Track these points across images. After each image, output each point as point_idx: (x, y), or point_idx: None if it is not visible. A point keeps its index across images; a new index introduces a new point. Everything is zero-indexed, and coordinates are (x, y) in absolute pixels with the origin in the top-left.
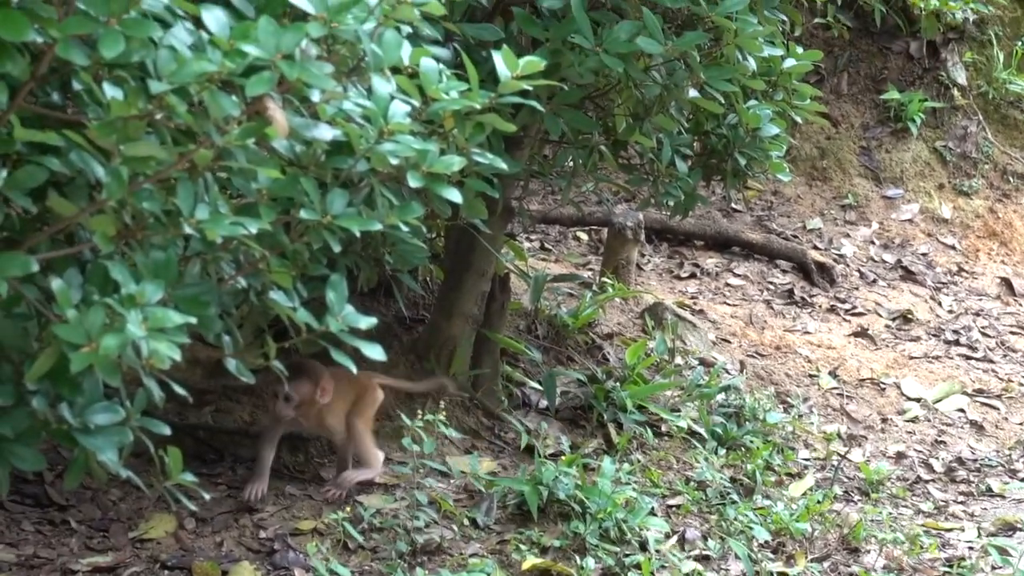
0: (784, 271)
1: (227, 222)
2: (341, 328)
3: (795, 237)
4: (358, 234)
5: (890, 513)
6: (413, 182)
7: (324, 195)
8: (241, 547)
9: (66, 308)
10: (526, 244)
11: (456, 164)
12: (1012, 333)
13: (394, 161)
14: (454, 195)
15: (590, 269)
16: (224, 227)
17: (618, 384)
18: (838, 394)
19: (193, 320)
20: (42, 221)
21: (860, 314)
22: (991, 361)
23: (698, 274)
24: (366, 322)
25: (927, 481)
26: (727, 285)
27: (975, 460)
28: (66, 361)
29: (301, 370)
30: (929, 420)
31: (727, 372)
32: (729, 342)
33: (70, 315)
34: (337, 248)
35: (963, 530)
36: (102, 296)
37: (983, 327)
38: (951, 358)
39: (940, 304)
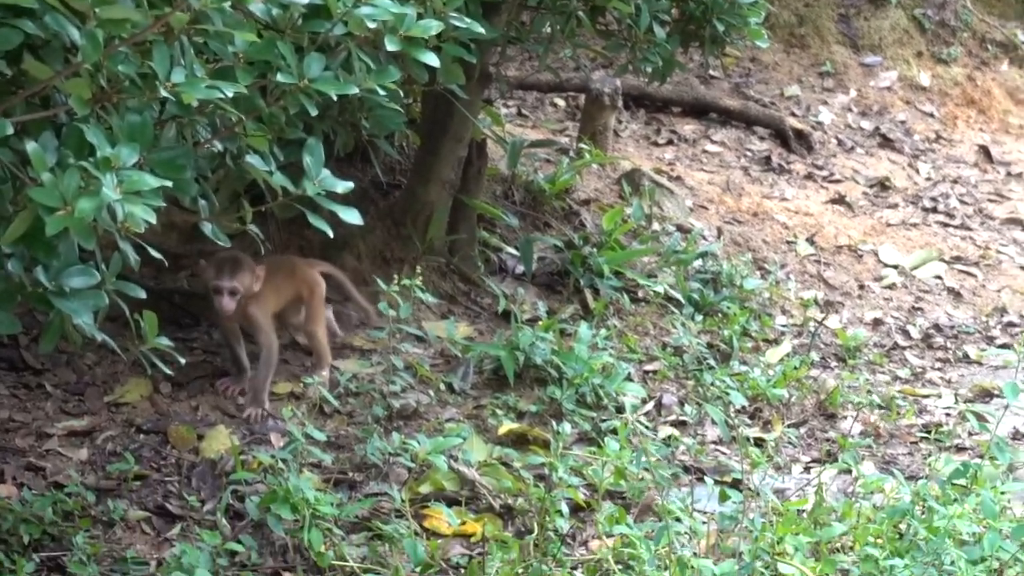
0: (761, 138)
1: (203, 85)
2: (318, 192)
3: (772, 104)
4: (335, 98)
5: (867, 379)
6: (390, 46)
7: (301, 59)
8: (217, 411)
9: (41, 171)
10: (503, 110)
11: (434, 28)
12: (990, 200)
13: (371, 25)
14: (432, 59)
15: (567, 135)
16: (200, 90)
17: (595, 250)
18: (815, 261)
19: (169, 183)
20: (17, 84)
21: (837, 181)
22: (968, 228)
23: (675, 141)
24: (343, 186)
25: (904, 348)
26: (704, 152)
27: (952, 327)
28: (41, 224)
29: (236, 263)
30: (906, 287)
31: (704, 238)
32: (706, 208)
33: (45, 178)
34: (314, 112)
35: (940, 396)
36: (77, 159)
37: (960, 194)
38: (928, 225)
39: (918, 171)
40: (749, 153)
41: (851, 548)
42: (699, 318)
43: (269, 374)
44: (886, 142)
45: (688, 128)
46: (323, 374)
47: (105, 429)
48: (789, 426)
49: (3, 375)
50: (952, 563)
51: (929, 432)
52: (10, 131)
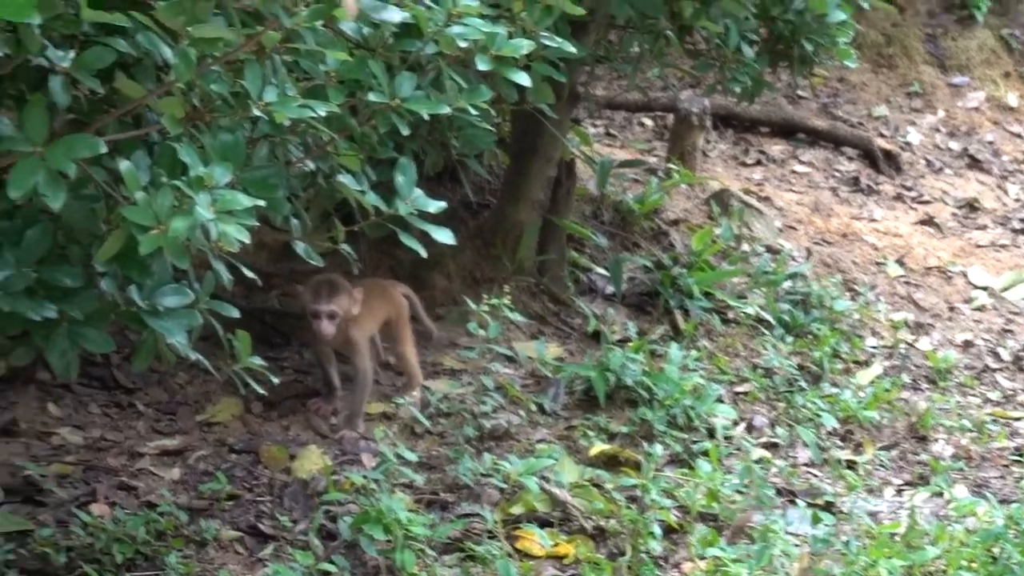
0: (850, 158)
1: (295, 104)
2: (410, 211)
3: (861, 124)
4: (426, 117)
5: (958, 402)
6: (481, 65)
7: (392, 78)
8: (309, 432)
9: (134, 190)
10: (591, 130)
11: (525, 47)
12: None
13: (462, 44)
14: (523, 78)
15: (655, 155)
16: (292, 109)
17: (685, 270)
18: (905, 282)
19: (262, 203)
20: (110, 103)
21: (926, 202)
22: None
23: (764, 161)
24: (435, 206)
25: (995, 370)
26: (793, 172)
27: None
28: (135, 243)
29: (334, 286)
30: (996, 308)
31: (793, 259)
32: (795, 229)
33: (138, 197)
34: (406, 131)
35: None
36: (170, 178)
37: None
38: (1018, 247)
39: (1006, 192)
40: (838, 173)
41: (944, 572)
42: (789, 339)
43: (364, 397)
44: (974, 163)
45: (776, 148)
46: (414, 395)
47: (197, 448)
48: (880, 448)
49: (95, 394)
50: None
51: (1021, 455)
52: (103, 150)
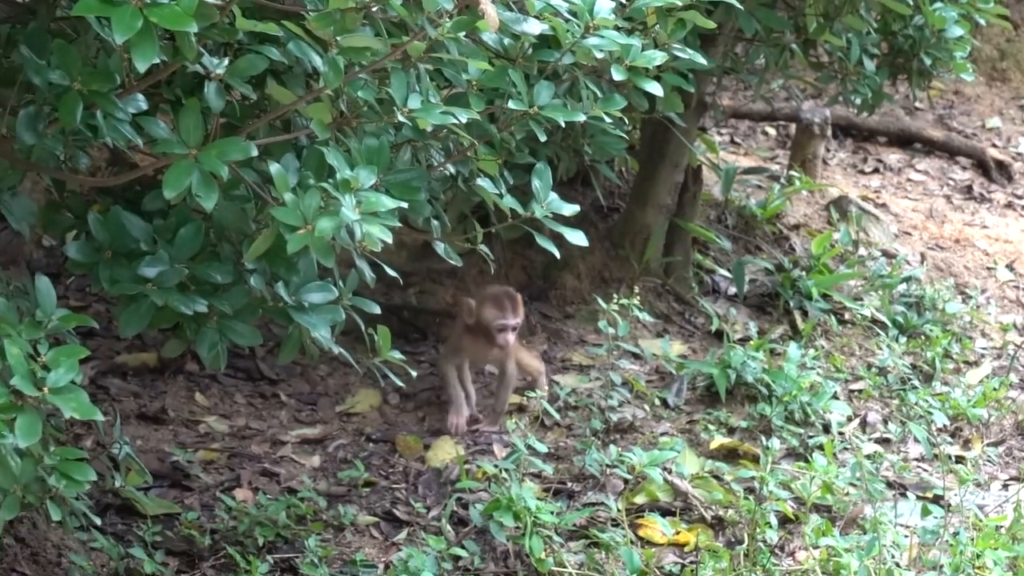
0: (963, 167)
1: (438, 111)
2: (545, 214)
3: (974, 135)
4: (562, 124)
5: None
6: (616, 75)
7: (530, 87)
8: (443, 422)
9: (283, 191)
10: (717, 138)
11: (658, 59)
12: None
13: (598, 55)
14: (655, 88)
15: (778, 163)
16: (435, 116)
17: (804, 273)
18: (1014, 286)
19: (404, 204)
20: (261, 108)
21: None
22: None
23: (881, 169)
24: (570, 209)
25: None
26: (909, 180)
27: None
28: (283, 242)
29: (514, 299)
30: None
31: (908, 263)
32: (910, 235)
33: (287, 198)
34: (543, 137)
35: None
36: (318, 181)
37: None
38: None
39: None
40: (951, 182)
41: None
42: (903, 340)
43: (508, 397)
44: None
45: (893, 157)
46: (543, 389)
47: (336, 437)
48: (988, 445)
49: (241, 385)
50: None
51: None
52: (254, 153)
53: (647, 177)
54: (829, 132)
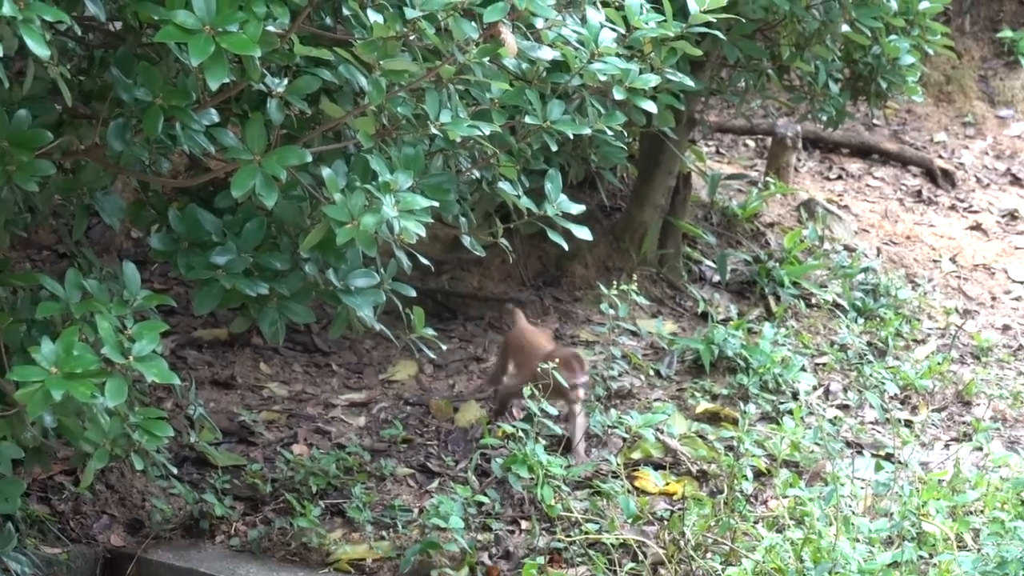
0: (914, 175)
1: (465, 124)
2: (556, 212)
3: (924, 148)
4: (571, 136)
5: (997, 374)
6: (617, 95)
7: (544, 104)
8: (469, 389)
9: (334, 192)
10: (704, 149)
11: (652, 81)
12: None
13: (602, 78)
14: (650, 106)
15: (756, 170)
16: (463, 129)
17: (777, 264)
18: (956, 276)
19: (436, 204)
20: (315, 121)
21: (975, 212)
22: None
23: (844, 176)
24: (577, 208)
25: None
26: (867, 185)
27: None
28: (333, 235)
29: (581, 360)
30: None
31: (866, 256)
32: (868, 232)
33: (337, 198)
34: (554, 147)
35: None
36: (363, 183)
37: None
38: None
39: None
40: (904, 187)
41: (982, 511)
42: (861, 321)
43: (580, 434)
44: (1016, 180)
45: (854, 166)
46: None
47: (379, 401)
48: (933, 411)
49: (298, 356)
50: None
51: None
52: (309, 159)
53: (645, 182)
54: (800, 144)
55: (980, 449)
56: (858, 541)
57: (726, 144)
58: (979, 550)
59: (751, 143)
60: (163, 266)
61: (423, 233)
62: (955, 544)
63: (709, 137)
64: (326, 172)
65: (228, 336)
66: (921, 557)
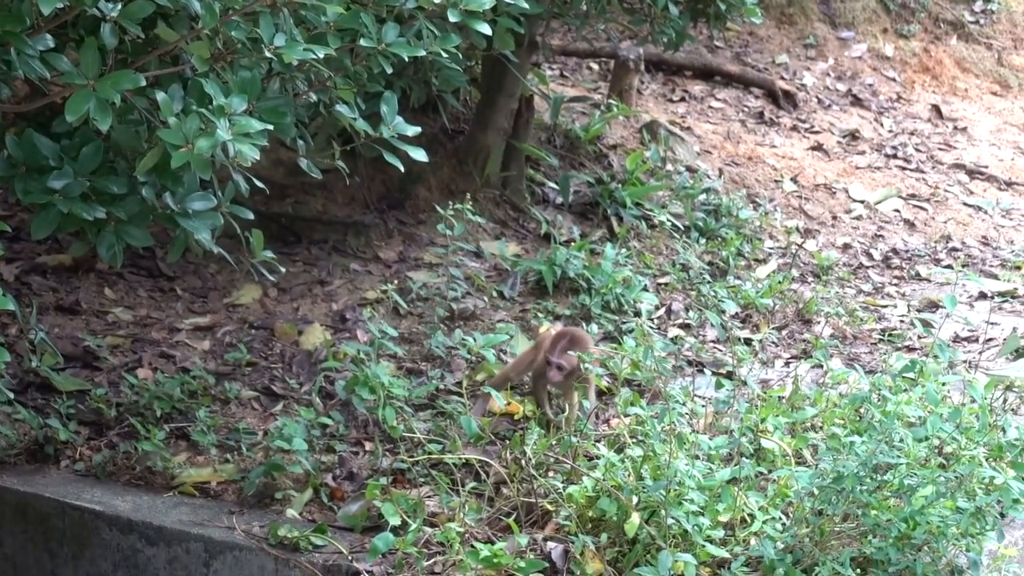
0: (756, 97)
1: (301, 48)
2: (392, 135)
3: (766, 70)
4: (407, 59)
5: (837, 292)
6: (453, 18)
7: (380, 27)
8: (314, 312)
9: (168, 116)
10: (548, 72)
11: (488, 3)
12: (940, 149)
13: (437, 0)
14: (485, 28)
15: (599, 93)
16: (298, 52)
17: (620, 185)
18: (797, 196)
19: (271, 127)
20: (151, 46)
21: (817, 132)
22: (922, 171)
23: (686, 98)
24: (412, 130)
25: (867, 267)
26: (710, 107)
27: (907, 251)
28: (168, 158)
29: (573, 340)
30: (871, 218)
31: (708, 177)
32: (710, 153)
33: (171, 122)
34: (389, 71)
35: (895, 307)
36: (198, 107)
37: (916, 144)
38: (890, 169)
39: (882, 125)
40: (746, 109)
41: (820, 427)
42: (702, 241)
43: (573, 419)
44: (856, 101)
45: (697, 88)
46: (570, 422)
47: (224, 325)
48: (773, 329)
49: (143, 281)
50: (901, 440)
51: (886, 335)
52: (143, 83)
53: (487, 105)
54: (642, 67)
55: (819, 366)
56: (698, 458)
57: (570, 67)
58: (817, 465)
59: (594, 66)
60: (3, 192)
61: (258, 156)
62: (793, 460)
63: (552, 60)
64: (161, 96)
65: (72, 262)
66: (760, 473)
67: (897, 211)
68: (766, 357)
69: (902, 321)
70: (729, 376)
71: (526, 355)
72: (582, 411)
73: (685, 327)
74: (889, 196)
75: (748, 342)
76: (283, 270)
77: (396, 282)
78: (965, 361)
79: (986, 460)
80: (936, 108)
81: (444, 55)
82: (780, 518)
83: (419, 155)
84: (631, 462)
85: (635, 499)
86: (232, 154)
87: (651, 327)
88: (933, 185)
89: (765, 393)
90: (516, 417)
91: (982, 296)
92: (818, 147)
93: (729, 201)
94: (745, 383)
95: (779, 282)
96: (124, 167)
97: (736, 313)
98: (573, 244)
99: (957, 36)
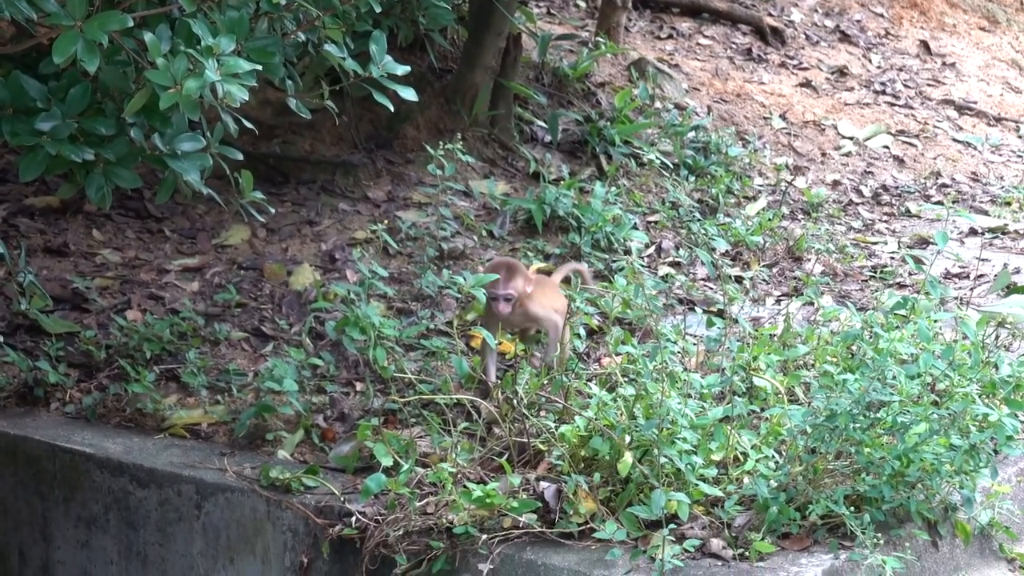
0: (744, 33)
1: None
2: (381, 74)
3: (753, 6)
4: None
5: (827, 229)
6: None
7: None
8: (303, 252)
9: (156, 56)
10: (535, 9)
11: None
12: (928, 85)
13: None
14: None
15: (587, 31)
16: None
17: (608, 123)
18: (786, 133)
19: (259, 67)
20: None
21: (805, 69)
22: (911, 107)
23: (674, 35)
24: (402, 69)
25: (857, 204)
26: (698, 44)
27: (896, 187)
28: (156, 99)
29: (510, 269)
30: (860, 155)
31: (697, 115)
32: (699, 90)
33: (159, 62)
34: (378, 9)
35: (886, 243)
36: (186, 47)
37: (904, 80)
38: (878, 105)
39: (870, 61)
40: (734, 46)
41: (812, 365)
42: (692, 179)
43: (554, 348)
44: (845, 37)
45: (685, 25)
46: (554, 346)
47: (213, 266)
48: (763, 267)
49: (131, 222)
50: (893, 378)
51: (876, 272)
52: (131, 24)
53: (475, 43)
54: (630, 4)
55: (810, 304)
56: (690, 397)
57: (557, 5)
58: (809, 403)
59: (582, 3)
60: None
61: (247, 97)
62: (786, 398)
63: None
64: (148, 37)
65: (60, 203)
66: (752, 411)
67: (886, 147)
68: (757, 295)
69: (893, 258)
70: (720, 314)
71: None
72: (552, 354)
73: (675, 265)
74: (878, 132)
75: (739, 280)
76: (272, 211)
77: (385, 222)
78: (956, 298)
79: (979, 397)
80: (924, 44)
81: None
82: (773, 456)
83: (408, 94)
84: (623, 401)
85: (628, 438)
86: (220, 94)
87: (641, 265)
88: (922, 121)
89: (756, 331)
90: (508, 356)
91: (972, 232)
92: (806, 83)
93: (718, 138)
94: (736, 321)
95: (769, 219)
96: (112, 108)
97: (726, 251)
98: (562, 183)
99: None
